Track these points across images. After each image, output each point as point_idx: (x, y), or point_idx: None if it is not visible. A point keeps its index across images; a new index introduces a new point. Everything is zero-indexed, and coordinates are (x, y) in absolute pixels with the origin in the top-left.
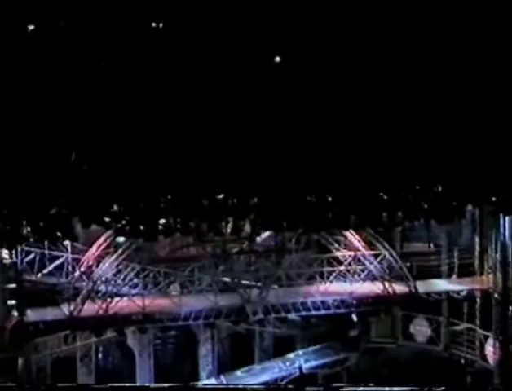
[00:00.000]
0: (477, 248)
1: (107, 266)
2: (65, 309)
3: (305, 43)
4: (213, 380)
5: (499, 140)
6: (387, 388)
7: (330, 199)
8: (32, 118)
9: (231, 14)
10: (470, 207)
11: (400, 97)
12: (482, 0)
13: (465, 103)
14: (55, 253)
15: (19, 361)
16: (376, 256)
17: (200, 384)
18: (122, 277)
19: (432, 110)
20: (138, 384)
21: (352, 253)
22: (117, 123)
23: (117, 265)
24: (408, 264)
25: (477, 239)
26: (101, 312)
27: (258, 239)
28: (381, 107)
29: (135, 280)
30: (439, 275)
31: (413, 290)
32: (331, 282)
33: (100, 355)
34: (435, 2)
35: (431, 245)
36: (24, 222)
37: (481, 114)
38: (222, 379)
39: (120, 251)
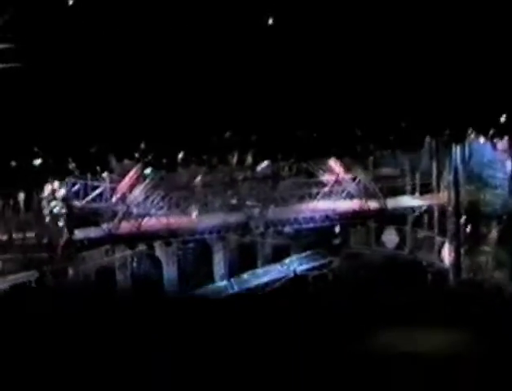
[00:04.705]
0: (434, 171)
1: (138, 193)
2: (105, 228)
3: None
4: (224, 282)
5: (450, 86)
6: None
7: (316, 134)
8: (78, 79)
9: None
10: (428, 138)
11: (373, 46)
12: None
13: (426, 55)
14: (95, 184)
15: (70, 271)
16: (353, 179)
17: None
18: (150, 201)
19: (398, 62)
20: None
21: (334, 177)
22: (142, 79)
23: (146, 192)
24: (379, 185)
25: (434, 164)
26: (134, 230)
27: (258, 168)
28: (354, 58)
29: (161, 203)
30: (404, 193)
31: (384, 206)
32: (317, 201)
33: (134, 264)
34: None
35: (397, 170)
36: (70, 159)
37: (437, 65)
38: (232, 281)
39: (148, 180)
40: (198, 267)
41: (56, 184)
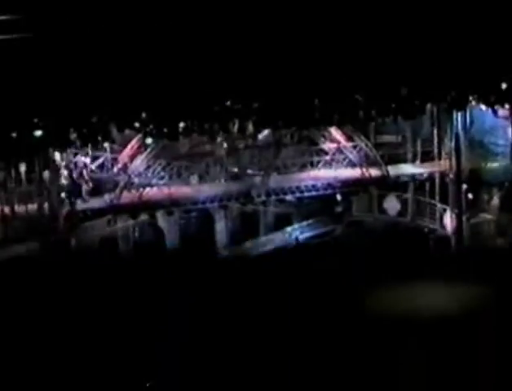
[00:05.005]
0: (435, 138)
1: (139, 163)
2: (107, 198)
3: None
4: (226, 252)
5: (451, 52)
6: None
7: (317, 101)
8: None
9: None
10: (429, 105)
11: (374, 14)
12: None
13: (427, 22)
14: (97, 154)
15: (73, 241)
16: (355, 147)
17: None
18: (152, 171)
19: (399, 29)
20: None
21: (336, 145)
22: (143, 49)
23: (147, 162)
24: (381, 152)
25: (435, 131)
26: (136, 199)
27: (260, 135)
28: (356, 24)
29: (162, 173)
30: (405, 161)
31: (385, 173)
32: (319, 169)
33: (136, 234)
34: None
35: (399, 137)
36: (72, 129)
37: (438, 31)
38: (234, 249)
39: (149, 150)
40: (200, 236)
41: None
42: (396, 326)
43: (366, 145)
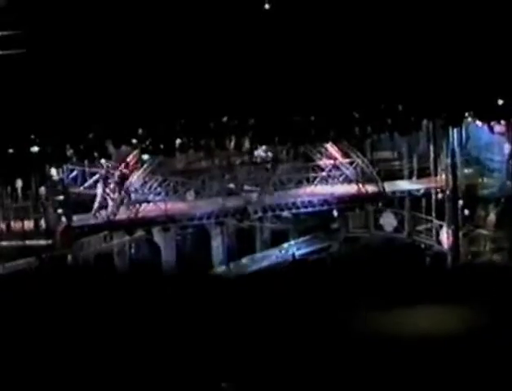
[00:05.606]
0: (431, 154)
1: (135, 179)
2: (104, 214)
3: None
4: (223, 267)
5: (448, 69)
6: None
7: (313, 118)
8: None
9: None
10: (425, 121)
11: (371, 30)
12: None
13: (423, 38)
14: (93, 170)
15: (69, 257)
16: (351, 163)
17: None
18: (148, 187)
19: (395, 45)
20: None
21: (332, 161)
22: (139, 65)
23: (144, 178)
24: (377, 169)
25: (431, 147)
26: (132, 216)
27: (256, 152)
28: (351, 42)
29: (159, 189)
30: (401, 177)
31: (382, 189)
32: (315, 185)
33: (132, 250)
34: None
35: (395, 153)
36: (68, 146)
37: (434, 47)
38: (231, 265)
39: (145, 166)
40: (197, 253)
41: (53, 170)
42: (394, 343)
43: (362, 161)
